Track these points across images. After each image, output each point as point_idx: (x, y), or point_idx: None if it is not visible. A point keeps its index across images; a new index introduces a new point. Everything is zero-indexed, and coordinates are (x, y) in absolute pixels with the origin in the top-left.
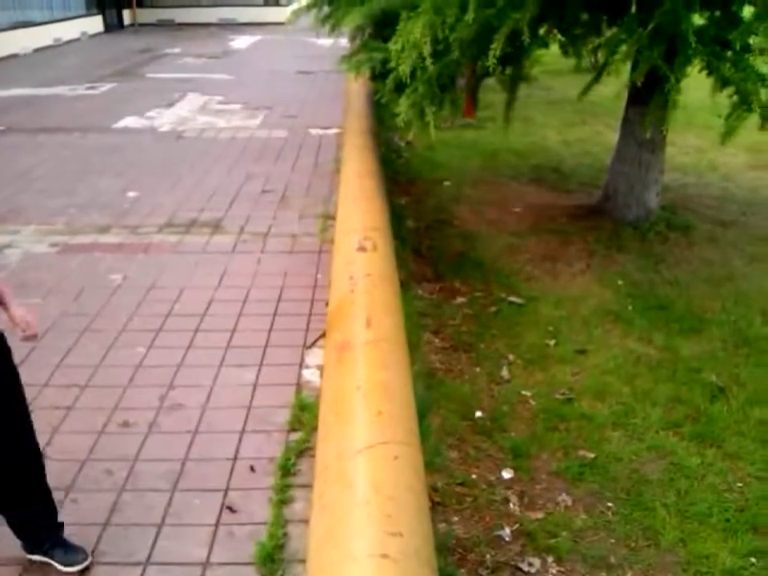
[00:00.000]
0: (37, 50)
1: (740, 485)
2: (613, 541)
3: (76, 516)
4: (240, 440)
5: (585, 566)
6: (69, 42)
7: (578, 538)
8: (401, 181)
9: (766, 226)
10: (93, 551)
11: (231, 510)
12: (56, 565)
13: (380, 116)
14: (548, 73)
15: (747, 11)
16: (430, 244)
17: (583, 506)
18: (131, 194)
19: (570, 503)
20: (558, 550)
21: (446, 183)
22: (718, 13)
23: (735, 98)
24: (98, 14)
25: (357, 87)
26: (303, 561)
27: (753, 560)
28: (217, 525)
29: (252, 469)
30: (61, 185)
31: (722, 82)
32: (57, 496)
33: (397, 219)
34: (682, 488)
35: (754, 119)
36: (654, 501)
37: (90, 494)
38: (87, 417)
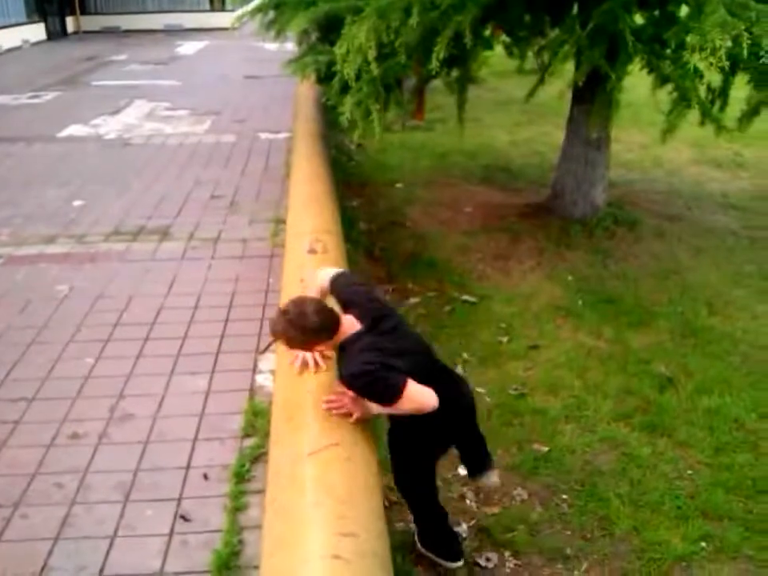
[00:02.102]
0: None
1: (690, 472)
2: (568, 532)
3: (26, 531)
4: (193, 448)
5: (541, 559)
6: (9, 50)
7: (534, 532)
8: (352, 183)
9: (711, 219)
10: (43, 567)
11: (185, 518)
12: None
13: (330, 119)
14: (495, 74)
15: (683, 11)
16: (382, 245)
17: (539, 500)
18: (77, 202)
19: (525, 497)
20: (515, 544)
21: (398, 185)
22: (656, 12)
23: (675, 94)
24: (39, 21)
25: (306, 91)
26: (258, 567)
27: (703, 544)
28: (171, 534)
29: (205, 477)
30: (5, 195)
31: (662, 80)
32: (5, 512)
33: (349, 222)
34: (634, 477)
35: (695, 115)
36: (608, 491)
37: (40, 508)
38: (35, 430)
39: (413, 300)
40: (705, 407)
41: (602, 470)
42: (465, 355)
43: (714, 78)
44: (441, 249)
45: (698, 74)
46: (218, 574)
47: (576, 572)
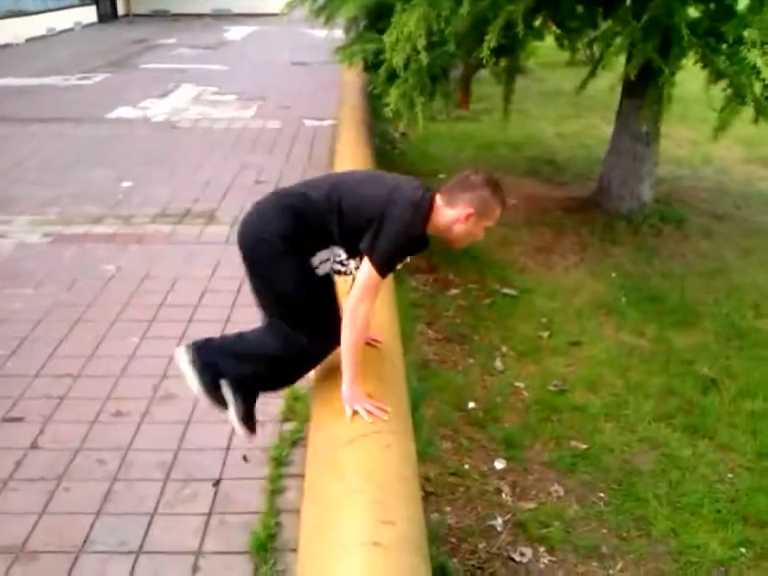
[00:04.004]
0: (29, 40)
1: (731, 476)
2: (604, 531)
3: (69, 505)
4: (233, 430)
5: (576, 556)
6: (62, 31)
7: (569, 528)
8: (395, 172)
9: (760, 219)
10: (85, 540)
11: (245, 459)
12: None
13: (375, 107)
14: (543, 65)
15: (742, 3)
16: None
17: (575, 497)
18: (125, 184)
19: (562, 494)
20: (550, 540)
21: (441, 175)
22: (712, 5)
23: (729, 90)
24: (91, 4)
25: (352, 78)
26: (295, 550)
27: (743, 550)
28: (209, 514)
29: (245, 459)
30: (54, 175)
31: (716, 75)
32: (49, 485)
33: None
34: (673, 479)
35: (748, 112)
36: (646, 491)
37: (83, 483)
38: (80, 406)
39: (453, 291)
40: (748, 410)
41: (641, 470)
42: (504, 349)
43: None
44: (482, 240)
45: (754, 69)
46: (255, 555)
47: (611, 571)
